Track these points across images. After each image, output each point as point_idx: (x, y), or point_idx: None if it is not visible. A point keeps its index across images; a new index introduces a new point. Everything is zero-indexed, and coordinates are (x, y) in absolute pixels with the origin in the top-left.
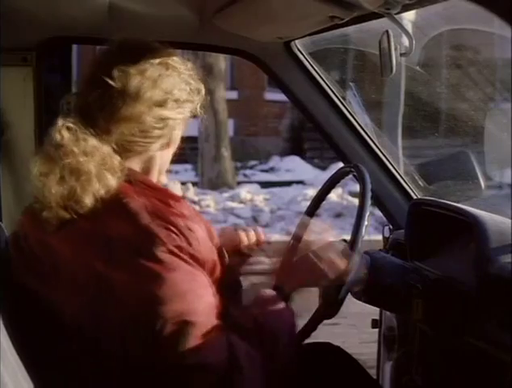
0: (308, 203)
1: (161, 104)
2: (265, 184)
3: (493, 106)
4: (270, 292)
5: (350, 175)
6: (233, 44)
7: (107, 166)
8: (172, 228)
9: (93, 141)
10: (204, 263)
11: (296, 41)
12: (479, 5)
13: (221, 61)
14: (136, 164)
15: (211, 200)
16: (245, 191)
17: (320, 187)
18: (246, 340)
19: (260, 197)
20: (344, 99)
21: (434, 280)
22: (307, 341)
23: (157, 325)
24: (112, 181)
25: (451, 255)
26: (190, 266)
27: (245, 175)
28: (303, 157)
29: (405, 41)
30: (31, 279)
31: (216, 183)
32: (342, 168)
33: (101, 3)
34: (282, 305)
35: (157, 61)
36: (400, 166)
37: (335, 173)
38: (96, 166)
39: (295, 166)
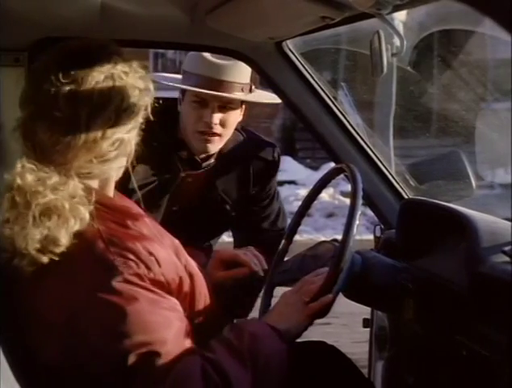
0: (300, 203)
1: (114, 125)
2: None
3: (484, 106)
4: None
5: (342, 175)
6: (225, 44)
7: (77, 199)
8: (129, 255)
9: (56, 178)
10: (169, 284)
11: (288, 41)
12: (469, 6)
13: None
14: (94, 183)
15: None
16: None
17: (312, 187)
18: (239, 362)
19: None
20: (335, 99)
21: (426, 279)
22: (300, 340)
23: (125, 359)
24: (86, 214)
25: (443, 255)
26: (153, 293)
27: None
28: (295, 157)
29: (397, 41)
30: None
31: None
32: (333, 168)
33: (93, 3)
34: (276, 334)
35: (102, 76)
36: (391, 166)
37: (327, 173)
38: (68, 201)
39: (287, 166)
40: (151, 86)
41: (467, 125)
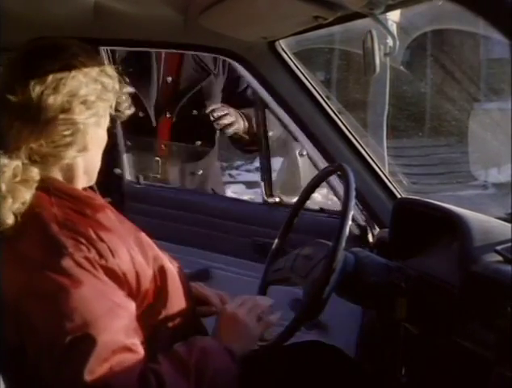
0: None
1: (66, 110)
2: (250, 184)
3: (476, 106)
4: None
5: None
6: (218, 43)
7: (19, 179)
8: (80, 239)
9: (3, 161)
10: (125, 275)
11: (281, 41)
12: (462, 6)
13: None
14: (56, 173)
15: None
16: (230, 192)
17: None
18: (182, 376)
19: (245, 197)
20: (328, 98)
21: (418, 278)
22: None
23: (62, 340)
24: (26, 193)
25: (435, 254)
26: (100, 280)
27: (230, 175)
28: None
29: (390, 41)
30: None
31: None
32: (326, 168)
33: (86, 3)
34: (227, 351)
35: (58, 65)
36: (385, 166)
37: (319, 172)
38: (6, 183)
39: (278, 167)
40: (117, 86)
41: (461, 125)
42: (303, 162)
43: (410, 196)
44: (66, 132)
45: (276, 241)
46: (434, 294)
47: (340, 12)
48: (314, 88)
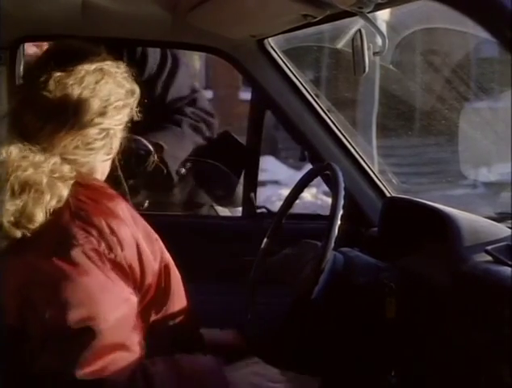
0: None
1: (102, 114)
2: None
3: (467, 105)
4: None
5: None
6: (207, 41)
7: (58, 175)
8: (92, 230)
9: (39, 156)
10: (131, 267)
11: (269, 39)
12: (449, 6)
13: (196, 61)
14: None
15: None
16: None
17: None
18: (176, 378)
19: None
20: (318, 96)
21: (408, 278)
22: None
23: (61, 329)
24: (64, 190)
25: (425, 254)
26: (105, 274)
27: None
28: (277, 157)
29: (379, 40)
30: None
31: None
32: (315, 167)
33: (74, 1)
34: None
35: (93, 67)
36: (374, 165)
37: (308, 172)
38: (47, 177)
39: (269, 166)
40: (137, 89)
41: (451, 124)
42: None
43: (400, 195)
44: (99, 136)
45: (265, 240)
46: (423, 294)
47: (329, 10)
48: (303, 86)
